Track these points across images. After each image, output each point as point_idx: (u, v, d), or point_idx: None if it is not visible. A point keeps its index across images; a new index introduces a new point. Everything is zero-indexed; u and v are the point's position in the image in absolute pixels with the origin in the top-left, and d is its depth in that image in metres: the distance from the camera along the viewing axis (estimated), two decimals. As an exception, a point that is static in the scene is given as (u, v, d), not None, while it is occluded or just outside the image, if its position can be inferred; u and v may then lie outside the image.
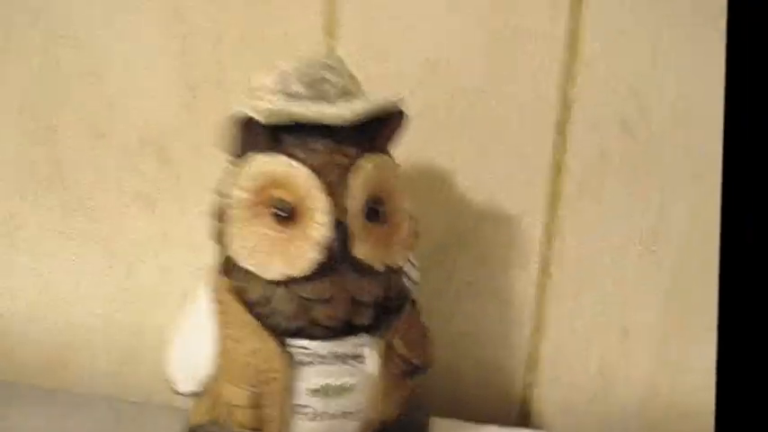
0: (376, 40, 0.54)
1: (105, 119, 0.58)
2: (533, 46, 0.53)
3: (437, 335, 0.48)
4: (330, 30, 0.54)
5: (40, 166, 0.60)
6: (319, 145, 0.40)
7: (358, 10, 0.54)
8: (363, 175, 0.41)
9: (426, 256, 0.54)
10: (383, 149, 0.44)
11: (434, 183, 0.56)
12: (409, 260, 0.48)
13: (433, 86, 0.54)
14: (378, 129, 0.42)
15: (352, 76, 0.44)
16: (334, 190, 0.40)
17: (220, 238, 0.43)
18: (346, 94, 0.42)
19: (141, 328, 0.62)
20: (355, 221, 0.41)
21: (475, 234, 0.57)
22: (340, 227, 0.40)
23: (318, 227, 0.40)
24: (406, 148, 0.50)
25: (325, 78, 0.42)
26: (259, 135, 0.40)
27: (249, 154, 0.41)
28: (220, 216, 0.43)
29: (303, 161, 0.40)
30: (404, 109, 0.43)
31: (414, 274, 0.48)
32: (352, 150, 0.41)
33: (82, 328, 0.63)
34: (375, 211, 0.42)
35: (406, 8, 0.53)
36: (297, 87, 0.41)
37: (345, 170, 0.41)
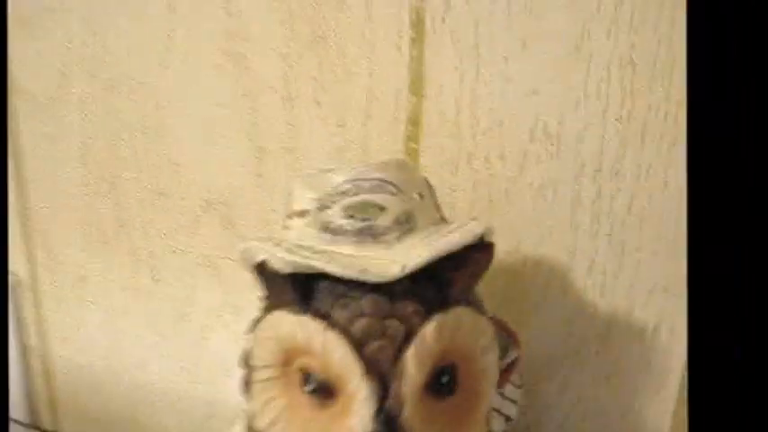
0: (473, 101, 0.43)
1: (167, 176, 0.53)
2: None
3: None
4: (417, 88, 0.43)
5: (105, 218, 0.56)
6: (364, 303, 0.29)
7: (450, 64, 0.43)
8: (426, 346, 0.30)
9: (535, 370, 0.46)
10: (460, 298, 0.31)
11: (551, 281, 0.45)
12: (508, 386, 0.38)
13: (551, 163, 0.44)
14: (451, 270, 0.31)
15: (419, 187, 0.33)
16: (383, 370, 0.29)
17: (246, 392, 0.33)
18: (406, 221, 0.31)
19: (212, 398, 0.58)
20: (413, 406, 0.30)
21: (600, 345, 0.46)
22: (388, 416, 0.29)
23: (358, 420, 0.29)
24: (516, 237, 0.41)
25: (376, 203, 0.31)
26: (283, 284, 0.30)
27: (273, 305, 0.31)
28: (245, 365, 0.33)
29: (339, 328, 0.29)
30: (491, 241, 0.31)
31: (510, 405, 0.38)
32: (410, 308, 0.30)
33: (151, 392, 0.59)
34: (442, 382, 0.31)
35: (516, 59, 0.42)
36: (336, 216, 0.31)
37: (400, 341, 0.29)
